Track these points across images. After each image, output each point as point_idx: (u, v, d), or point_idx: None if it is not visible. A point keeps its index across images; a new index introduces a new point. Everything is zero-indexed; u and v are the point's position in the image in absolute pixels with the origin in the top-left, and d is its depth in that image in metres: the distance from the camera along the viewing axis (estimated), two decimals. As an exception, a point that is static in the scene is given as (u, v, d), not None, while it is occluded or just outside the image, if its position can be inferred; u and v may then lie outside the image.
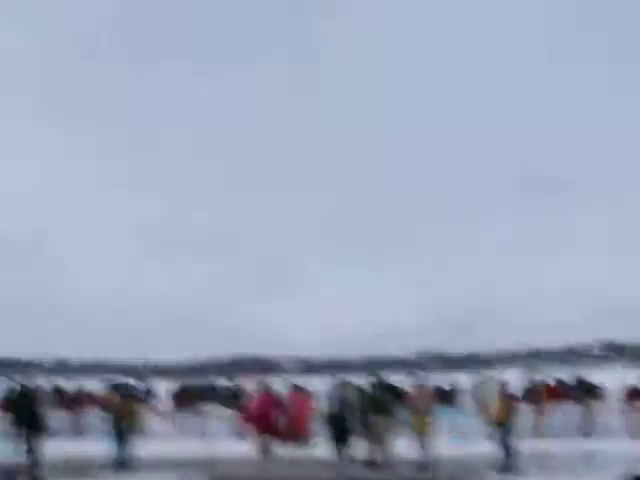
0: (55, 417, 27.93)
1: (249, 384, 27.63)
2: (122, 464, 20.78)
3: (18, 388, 30.57)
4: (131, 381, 36.41)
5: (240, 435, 28.93)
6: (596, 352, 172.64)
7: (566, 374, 33.74)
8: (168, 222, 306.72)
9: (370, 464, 19.94)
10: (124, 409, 21.30)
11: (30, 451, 19.92)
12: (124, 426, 21.11)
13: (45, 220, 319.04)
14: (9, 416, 27.40)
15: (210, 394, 37.98)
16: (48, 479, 18.83)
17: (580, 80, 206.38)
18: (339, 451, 20.19)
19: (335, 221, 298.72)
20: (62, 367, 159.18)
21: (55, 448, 22.16)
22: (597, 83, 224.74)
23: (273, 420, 20.71)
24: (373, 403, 19.88)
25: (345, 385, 20.97)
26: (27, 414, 20.83)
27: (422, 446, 19.16)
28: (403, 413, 20.20)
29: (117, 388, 24.10)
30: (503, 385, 20.52)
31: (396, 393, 20.54)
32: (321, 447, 20.66)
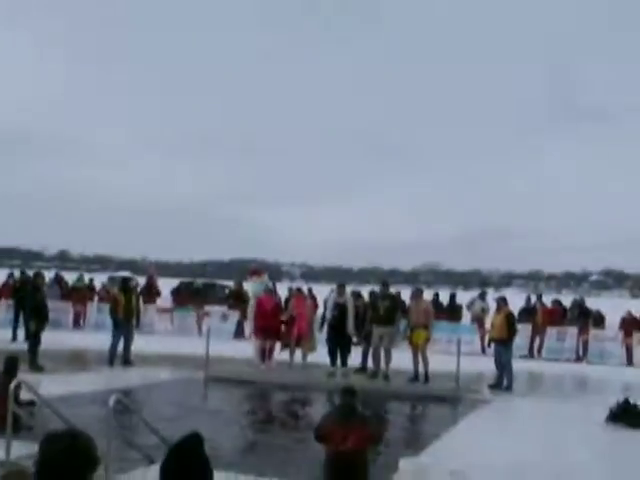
0: (55, 307, 28.05)
1: (247, 285, 27.63)
2: (119, 357, 20.85)
3: (20, 275, 30.84)
4: (131, 275, 36.41)
5: (239, 335, 29.11)
6: (596, 278, 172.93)
7: (565, 298, 33.85)
8: (191, 123, 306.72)
9: (367, 373, 20.04)
10: (122, 302, 21.25)
11: (30, 338, 19.99)
12: (122, 320, 21.08)
13: (73, 120, 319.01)
14: (10, 302, 27.68)
15: (210, 292, 38.16)
16: (46, 368, 18.92)
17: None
18: (337, 358, 20.28)
19: (367, 136, 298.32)
20: (64, 258, 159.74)
21: (54, 338, 22.29)
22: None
23: (273, 323, 20.70)
24: (372, 311, 19.85)
25: (344, 291, 20.94)
26: (28, 301, 20.86)
27: (418, 359, 19.21)
28: (402, 324, 20.22)
29: (116, 281, 24.10)
30: (503, 303, 20.54)
31: (396, 303, 20.47)
32: (320, 353, 20.72)
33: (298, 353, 21.02)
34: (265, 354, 20.84)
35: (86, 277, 35.66)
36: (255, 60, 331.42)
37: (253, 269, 23.91)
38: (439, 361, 19.60)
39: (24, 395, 12.10)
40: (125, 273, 40.03)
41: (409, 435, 14.63)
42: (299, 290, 22.71)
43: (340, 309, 20.14)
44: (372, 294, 22.97)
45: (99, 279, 36.54)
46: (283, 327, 20.99)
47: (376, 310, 19.63)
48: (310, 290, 30.53)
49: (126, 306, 21.36)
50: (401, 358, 19.56)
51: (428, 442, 13.15)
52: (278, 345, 21.31)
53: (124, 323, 21.15)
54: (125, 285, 22.35)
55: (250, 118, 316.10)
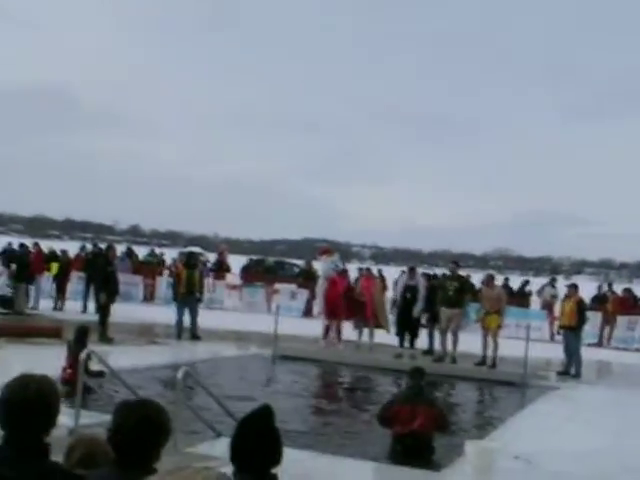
0: (126, 281, 28.40)
1: (317, 264, 27.64)
2: (187, 332, 20.99)
3: (92, 248, 31.28)
4: (200, 251, 36.71)
5: (308, 314, 29.19)
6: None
7: (637, 287, 33.41)
8: (253, 104, 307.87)
9: (434, 355, 19.94)
10: (184, 277, 21.35)
11: (100, 310, 20.22)
12: (184, 294, 21.20)
13: (137, 96, 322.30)
14: (82, 275, 28.08)
15: (279, 271, 38.29)
16: (115, 340, 19.16)
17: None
18: (405, 339, 20.24)
19: (428, 117, 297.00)
20: (135, 233, 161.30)
21: (124, 311, 22.58)
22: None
23: (342, 302, 20.66)
24: (441, 292, 19.69)
25: (415, 274, 20.85)
26: (99, 274, 21.11)
27: (487, 343, 19.08)
28: (472, 307, 20.11)
29: (185, 256, 24.25)
30: (573, 290, 20.33)
31: (465, 285, 20.29)
32: (389, 334, 20.69)
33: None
34: (328, 332, 20.83)
35: (158, 252, 36.06)
36: (318, 37, 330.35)
37: (323, 248, 23.89)
38: (508, 346, 19.45)
39: (93, 366, 12.27)
40: (195, 249, 40.35)
41: (475, 419, 14.55)
42: (368, 270, 22.67)
43: (411, 291, 20.08)
44: (442, 276, 22.86)
45: (170, 254, 36.91)
46: (352, 307, 20.94)
47: (444, 291, 19.47)
48: (380, 272, 30.52)
49: (188, 281, 21.45)
50: (471, 341, 19.44)
51: (494, 426, 13.11)
52: (349, 325, 21.31)
53: (186, 298, 21.24)
54: (189, 260, 22.47)
55: (317, 96, 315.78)
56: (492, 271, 27.10)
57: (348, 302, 20.67)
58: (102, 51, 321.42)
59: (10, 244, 33.34)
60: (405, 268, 21.51)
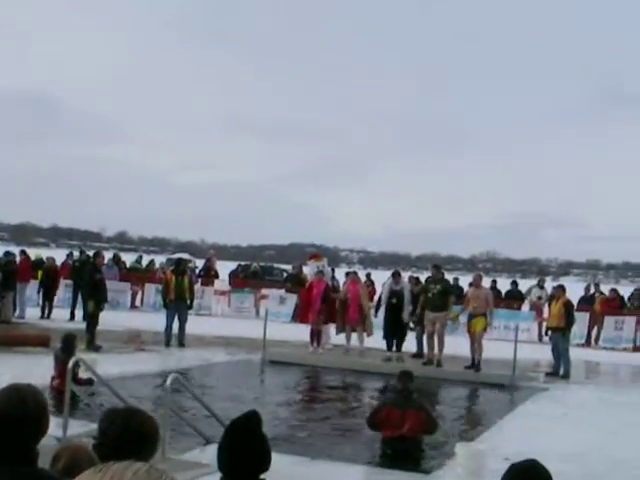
0: (113, 288, 28.31)
1: (307, 269, 27.64)
2: (175, 338, 20.94)
3: (79, 255, 31.20)
4: (188, 257, 36.66)
5: (297, 318, 29.17)
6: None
7: (624, 288, 33.51)
8: (240, 111, 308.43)
9: (423, 359, 19.92)
10: (173, 284, 21.32)
11: (88, 318, 20.15)
12: (173, 301, 21.17)
13: (124, 103, 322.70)
14: (69, 282, 27.99)
15: (268, 276, 38.27)
16: (103, 348, 19.10)
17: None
18: (392, 343, 20.26)
19: (412, 123, 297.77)
20: (122, 240, 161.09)
21: (112, 319, 22.50)
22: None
23: (319, 306, 20.66)
24: (424, 296, 19.70)
25: (400, 279, 20.84)
26: (87, 281, 21.03)
27: (474, 345, 19.08)
28: (457, 310, 20.13)
29: (173, 263, 24.20)
30: (560, 292, 20.39)
31: (449, 288, 20.33)
32: (377, 338, 20.69)
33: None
34: (320, 337, 20.82)
35: (146, 258, 35.98)
36: (303, 43, 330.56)
37: (312, 254, 23.93)
38: (496, 348, 19.50)
39: (82, 374, 12.25)
40: (184, 255, 40.30)
41: (465, 421, 14.56)
42: (355, 274, 22.68)
43: (397, 296, 20.07)
44: (426, 279, 22.90)
45: (158, 260, 36.84)
46: (337, 310, 20.94)
47: (427, 295, 19.52)
48: (368, 275, 30.56)
49: (177, 287, 21.38)
50: (460, 344, 19.48)
51: (484, 428, 13.13)
52: (333, 329, 21.33)
53: (175, 304, 21.18)
54: (177, 266, 22.43)
55: (304, 102, 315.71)
56: (479, 272, 26.96)
57: (328, 306, 20.70)
58: (88, 57, 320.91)
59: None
60: (393, 272, 21.48)
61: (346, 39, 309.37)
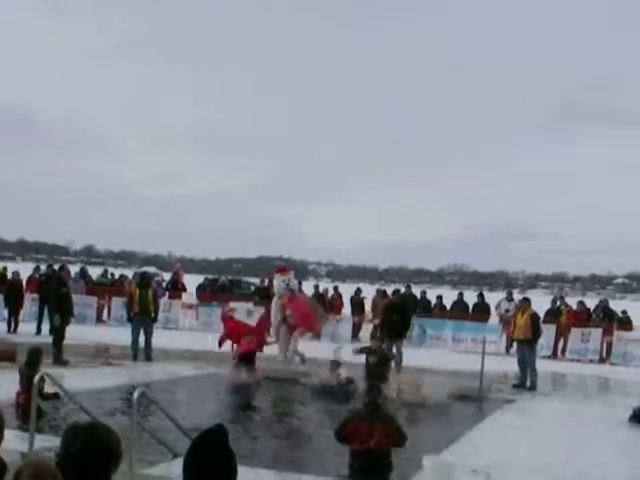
0: (80, 302, 28.11)
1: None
2: (142, 352, 20.85)
3: (45, 269, 31.02)
4: (155, 271, 36.60)
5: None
6: (621, 281, 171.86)
7: (590, 300, 33.74)
8: (208, 124, 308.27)
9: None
10: (137, 297, 21.26)
11: (54, 332, 20.02)
12: (137, 314, 21.14)
13: (90, 115, 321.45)
14: (35, 296, 27.83)
15: (235, 289, 38.21)
16: (70, 362, 18.98)
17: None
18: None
19: (380, 137, 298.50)
20: (89, 254, 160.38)
21: (79, 333, 22.37)
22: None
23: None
24: (389, 310, 19.80)
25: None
26: (53, 295, 20.89)
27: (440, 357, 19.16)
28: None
29: (139, 277, 24.12)
30: (527, 304, 20.53)
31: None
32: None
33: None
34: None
35: (115, 272, 35.81)
36: (274, 56, 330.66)
37: (279, 267, 23.95)
38: (464, 360, 19.53)
39: (48, 388, 12.16)
40: (150, 269, 40.19)
41: (433, 433, 14.56)
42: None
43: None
44: (393, 292, 23.00)
45: (123, 274, 36.67)
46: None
47: (393, 308, 19.70)
48: (336, 289, 30.61)
49: (141, 301, 21.34)
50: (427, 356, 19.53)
51: (451, 440, 13.12)
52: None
53: (140, 318, 21.18)
54: (142, 280, 22.37)
55: (271, 115, 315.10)
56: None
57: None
58: (54, 69, 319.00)
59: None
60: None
61: (315, 51, 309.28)
